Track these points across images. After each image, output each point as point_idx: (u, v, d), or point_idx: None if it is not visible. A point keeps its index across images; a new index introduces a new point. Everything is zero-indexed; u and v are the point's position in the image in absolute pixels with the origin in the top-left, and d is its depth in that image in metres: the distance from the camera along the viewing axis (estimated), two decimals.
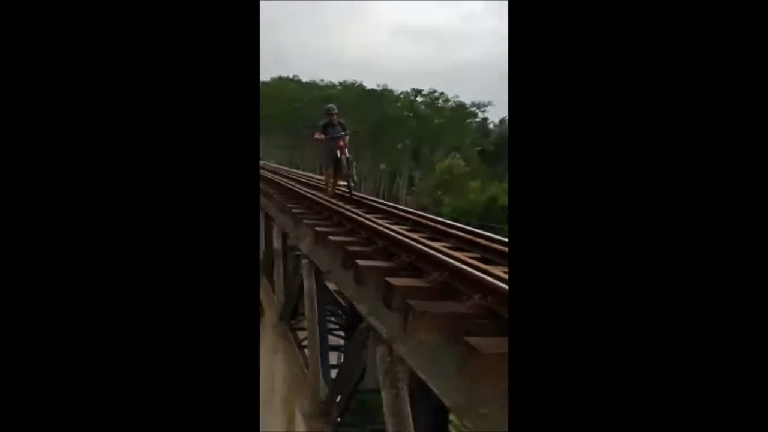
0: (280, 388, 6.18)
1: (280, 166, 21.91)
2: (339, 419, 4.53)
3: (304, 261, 5.49)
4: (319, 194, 7.97)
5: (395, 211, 6.37)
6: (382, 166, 54.83)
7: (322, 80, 61.48)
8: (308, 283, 5.41)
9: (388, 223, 5.31)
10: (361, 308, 3.73)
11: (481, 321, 2.68)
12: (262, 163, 22.23)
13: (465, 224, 6.20)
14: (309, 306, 5.38)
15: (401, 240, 4.11)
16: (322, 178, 9.95)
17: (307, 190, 8.53)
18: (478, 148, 53.23)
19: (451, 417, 3.64)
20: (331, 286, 6.38)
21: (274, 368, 6.41)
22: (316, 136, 8.26)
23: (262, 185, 9.60)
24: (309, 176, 14.31)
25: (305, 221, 5.91)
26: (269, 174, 13.03)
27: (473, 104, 58.94)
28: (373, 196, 10.56)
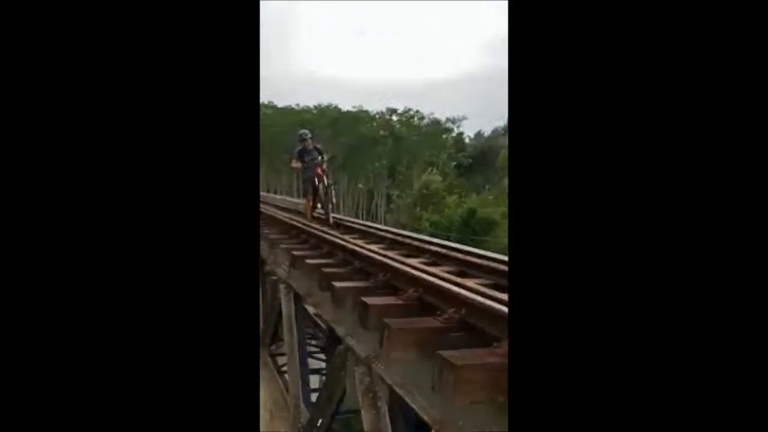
0: (261, 416, 6.09)
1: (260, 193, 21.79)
2: None
3: (281, 285, 5.47)
4: (297, 218, 7.97)
5: (372, 230, 6.41)
6: (360, 186, 55.00)
7: (297, 104, 61.83)
8: (287, 308, 5.38)
9: (365, 242, 5.33)
10: (339, 330, 3.73)
11: (456, 334, 2.71)
12: None
13: (444, 239, 6.25)
14: (288, 331, 5.34)
15: (377, 259, 4.13)
16: (301, 201, 9.97)
17: (285, 215, 8.52)
18: (454, 163, 53.79)
19: None
20: (311, 309, 6.36)
21: None
22: (293, 164, 8.21)
23: None
24: (288, 200, 14.30)
25: (282, 245, 5.90)
26: None
27: (448, 119, 59.80)
28: (352, 217, 10.58)
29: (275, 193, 24.75)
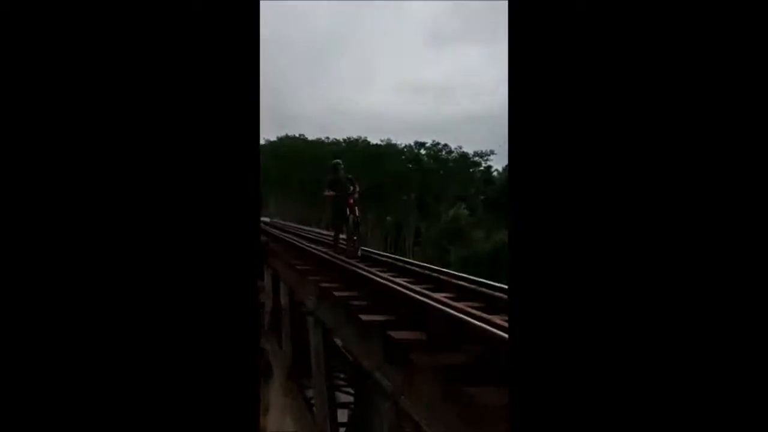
0: None
1: (288, 223, 22.05)
2: None
3: (309, 318, 5.52)
4: (325, 250, 8.03)
5: (399, 264, 6.43)
6: (388, 218, 55.11)
7: (327, 138, 62.90)
8: (315, 340, 5.41)
9: (391, 276, 5.36)
10: (366, 364, 3.75)
11: (482, 370, 2.70)
12: (271, 220, 22.25)
13: (472, 274, 6.19)
14: (316, 364, 5.36)
15: (404, 293, 4.15)
16: (327, 232, 9.94)
17: (312, 246, 8.60)
18: (482, 197, 53.55)
19: None
20: (339, 342, 6.36)
21: (283, 429, 6.30)
22: (326, 193, 8.14)
23: (268, 241, 9.67)
24: (316, 232, 14.44)
25: (310, 277, 5.95)
26: (277, 231, 13.16)
27: (476, 153, 59.86)
28: (379, 249, 10.55)
29: (305, 225, 24.99)
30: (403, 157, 58.88)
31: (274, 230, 13.00)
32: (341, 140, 61.57)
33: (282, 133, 62.66)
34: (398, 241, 54.12)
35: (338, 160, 8.47)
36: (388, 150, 58.44)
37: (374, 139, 59.99)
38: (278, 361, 7.26)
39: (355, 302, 4.38)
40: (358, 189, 8.01)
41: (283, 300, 7.37)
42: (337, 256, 7.26)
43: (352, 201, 7.84)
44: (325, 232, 12.96)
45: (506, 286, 4.61)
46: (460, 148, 59.34)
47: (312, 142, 61.44)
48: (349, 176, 8.09)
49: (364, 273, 5.33)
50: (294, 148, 58.76)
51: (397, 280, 5.01)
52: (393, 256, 8.08)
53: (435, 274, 5.48)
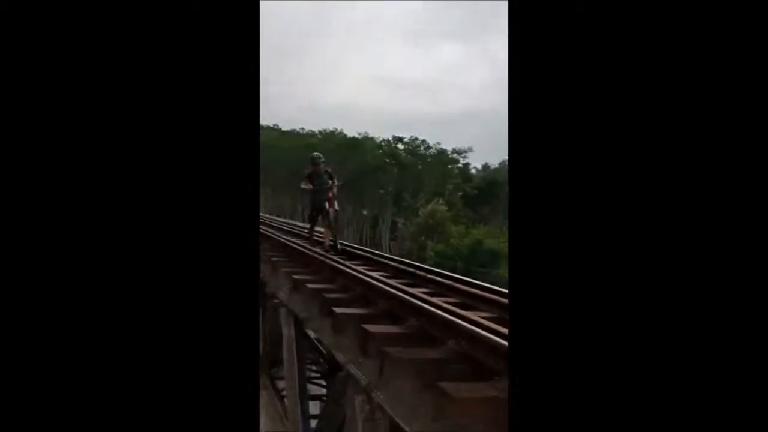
0: None
1: (262, 215, 21.83)
2: None
3: (282, 309, 5.47)
4: (300, 242, 7.97)
5: (375, 258, 6.41)
6: (364, 212, 55.07)
7: (302, 129, 62.46)
8: (287, 332, 5.36)
9: (367, 269, 5.34)
10: (340, 356, 3.72)
11: (457, 366, 2.70)
12: None
13: (449, 270, 6.17)
14: (288, 355, 5.32)
15: (379, 287, 4.14)
16: (303, 224, 9.88)
17: (287, 238, 8.53)
18: (461, 193, 53.92)
19: None
20: (312, 333, 6.32)
21: None
22: (303, 185, 8.06)
23: None
24: (292, 224, 14.31)
25: (283, 269, 5.90)
26: None
27: (454, 150, 60.17)
28: (355, 243, 10.50)
29: (277, 216, 24.78)
30: (381, 151, 58.82)
31: None
32: (317, 131, 61.24)
33: None
34: (374, 234, 54.19)
35: (318, 154, 8.38)
36: (365, 143, 58.28)
37: (351, 132, 59.85)
38: None
39: (330, 295, 4.35)
40: (337, 183, 7.95)
41: None
42: (311, 248, 7.21)
43: (331, 194, 7.75)
44: (300, 224, 12.85)
45: (479, 282, 4.63)
46: (439, 144, 59.62)
47: (286, 132, 60.87)
48: (328, 170, 8.01)
49: (340, 266, 5.30)
50: (268, 138, 58.15)
51: (373, 273, 4.99)
52: (369, 250, 8.06)
53: (411, 269, 5.47)
